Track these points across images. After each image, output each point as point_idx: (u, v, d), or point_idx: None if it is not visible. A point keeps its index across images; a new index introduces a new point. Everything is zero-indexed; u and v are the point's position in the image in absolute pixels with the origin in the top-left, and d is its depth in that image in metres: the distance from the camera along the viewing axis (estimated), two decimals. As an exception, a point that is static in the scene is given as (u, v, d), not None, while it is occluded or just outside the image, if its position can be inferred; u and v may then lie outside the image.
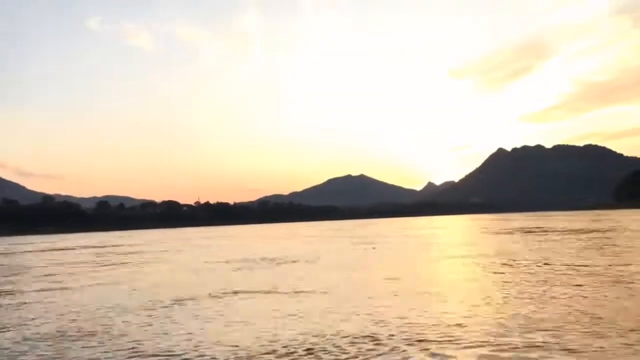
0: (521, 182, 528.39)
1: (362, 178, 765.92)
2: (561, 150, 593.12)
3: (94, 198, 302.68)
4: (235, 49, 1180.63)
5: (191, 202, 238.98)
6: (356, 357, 5.85)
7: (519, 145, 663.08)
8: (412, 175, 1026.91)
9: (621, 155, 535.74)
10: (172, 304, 10.12)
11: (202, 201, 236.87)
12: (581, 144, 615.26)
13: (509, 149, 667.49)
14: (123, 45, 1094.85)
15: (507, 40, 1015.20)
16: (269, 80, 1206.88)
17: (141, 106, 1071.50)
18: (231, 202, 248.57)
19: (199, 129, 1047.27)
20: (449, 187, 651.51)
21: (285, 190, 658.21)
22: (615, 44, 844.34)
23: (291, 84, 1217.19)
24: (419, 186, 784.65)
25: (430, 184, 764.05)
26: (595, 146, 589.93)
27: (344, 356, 5.91)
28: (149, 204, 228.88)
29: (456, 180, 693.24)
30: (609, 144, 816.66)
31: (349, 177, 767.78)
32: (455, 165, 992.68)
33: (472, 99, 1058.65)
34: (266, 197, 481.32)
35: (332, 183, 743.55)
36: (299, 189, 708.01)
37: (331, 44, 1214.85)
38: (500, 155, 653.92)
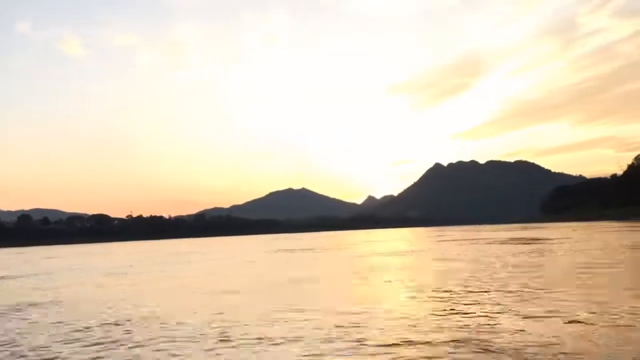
0: (457, 196, 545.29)
1: (303, 191, 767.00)
2: (494, 166, 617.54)
3: (21, 211, 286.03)
4: (172, 57, 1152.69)
5: (124, 215, 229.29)
6: None
7: (454, 161, 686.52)
8: (353, 189, 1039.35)
9: (549, 171, 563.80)
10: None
11: (135, 214, 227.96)
12: (512, 159, 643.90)
13: (445, 164, 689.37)
14: (54, 51, 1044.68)
15: (444, 58, 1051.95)
16: (208, 91, 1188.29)
17: (72, 115, 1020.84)
18: (167, 216, 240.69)
19: (134, 139, 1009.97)
20: (389, 201, 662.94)
21: (226, 204, 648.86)
22: (546, 64, 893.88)
23: (231, 95, 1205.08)
24: (359, 200, 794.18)
25: (370, 198, 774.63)
26: (526, 162, 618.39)
27: None
28: (77, 218, 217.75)
29: (395, 194, 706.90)
30: (538, 160, 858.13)
31: (290, 190, 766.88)
32: (395, 179, 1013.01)
33: (412, 114, 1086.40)
34: (206, 210, 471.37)
35: (274, 196, 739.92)
36: (240, 202, 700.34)
37: (271, 56, 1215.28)
38: (437, 170, 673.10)
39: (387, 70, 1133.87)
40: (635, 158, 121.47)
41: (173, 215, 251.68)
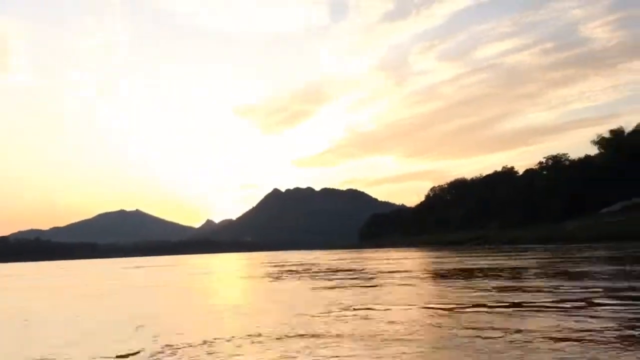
0: (292, 222, 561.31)
1: (137, 214, 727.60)
2: (328, 193, 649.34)
3: None
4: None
5: None
6: None
7: (292, 187, 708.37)
8: (193, 212, 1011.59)
9: (376, 200, 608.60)
10: None
11: None
12: (345, 188, 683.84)
13: (284, 189, 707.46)
14: None
15: (292, 84, 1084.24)
16: (34, 99, 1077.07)
17: None
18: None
19: None
20: (227, 225, 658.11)
21: (46, 225, 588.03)
22: (382, 98, 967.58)
23: (61, 108, 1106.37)
24: (198, 223, 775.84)
25: (209, 222, 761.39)
26: (356, 190, 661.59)
27: None
28: None
29: (234, 218, 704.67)
30: (369, 189, 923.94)
31: (122, 212, 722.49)
32: (236, 203, 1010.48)
33: (258, 138, 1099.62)
34: (20, 232, 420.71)
35: (103, 218, 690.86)
36: (63, 223, 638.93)
37: (110, 66, 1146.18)
38: (275, 196, 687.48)
39: (237, 91, 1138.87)
40: (431, 189, 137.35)
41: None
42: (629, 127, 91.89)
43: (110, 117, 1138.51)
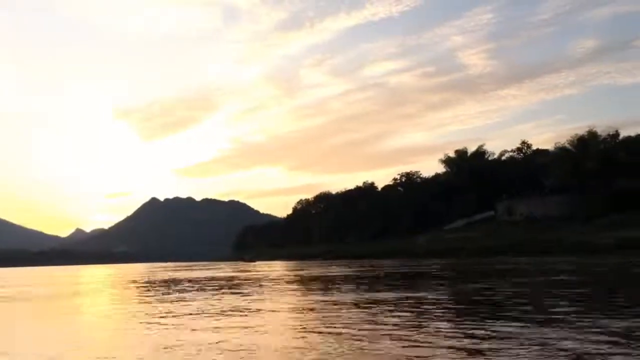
0: (170, 232, 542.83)
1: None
2: (209, 204, 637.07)
3: None
4: None
5: None
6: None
7: (172, 196, 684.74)
8: (59, 220, 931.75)
9: (258, 212, 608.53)
10: None
11: None
12: (227, 199, 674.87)
13: (162, 199, 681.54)
14: None
15: (178, 89, 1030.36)
16: None
17: None
18: None
19: None
20: (98, 235, 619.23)
21: None
22: (271, 109, 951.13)
23: None
24: (65, 232, 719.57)
25: (79, 231, 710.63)
26: (238, 202, 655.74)
27: None
28: None
29: (107, 227, 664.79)
30: (252, 201, 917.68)
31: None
32: (111, 212, 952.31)
33: (135, 145, 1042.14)
34: None
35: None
36: None
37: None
38: (153, 205, 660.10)
39: (117, 93, 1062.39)
40: (298, 202, 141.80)
41: None
42: (495, 150, 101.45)
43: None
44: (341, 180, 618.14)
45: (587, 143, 67.94)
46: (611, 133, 68.71)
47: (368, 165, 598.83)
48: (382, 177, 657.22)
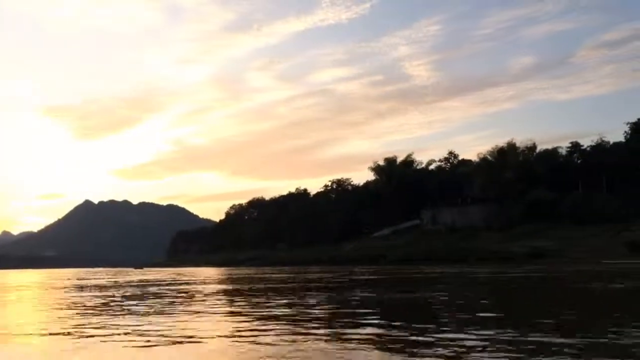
0: (104, 237, 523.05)
1: None
2: (146, 207, 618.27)
3: None
4: None
5: None
6: None
7: (107, 199, 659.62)
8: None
9: (197, 216, 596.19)
10: None
11: None
12: (165, 203, 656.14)
13: (96, 201, 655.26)
14: None
15: (118, 88, 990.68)
16: None
17: None
18: None
19: None
20: (26, 238, 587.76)
21: None
22: (215, 112, 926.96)
23: None
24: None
25: (5, 234, 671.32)
26: (177, 206, 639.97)
27: None
28: None
29: (36, 230, 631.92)
30: (191, 205, 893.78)
31: None
32: (42, 214, 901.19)
33: (68, 144, 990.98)
34: None
35: None
36: None
37: None
38: (86, 208, 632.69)
39: (52, 90, 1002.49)
40: (231, 207, 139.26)
41: None
42: (436, 159, 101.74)
43: None
44: (284, 186, 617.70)
45: (506, 154, 70.13)
46: (529, 145, 71.32)
47: (311, 173, 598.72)
48: (323, 185, 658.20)
